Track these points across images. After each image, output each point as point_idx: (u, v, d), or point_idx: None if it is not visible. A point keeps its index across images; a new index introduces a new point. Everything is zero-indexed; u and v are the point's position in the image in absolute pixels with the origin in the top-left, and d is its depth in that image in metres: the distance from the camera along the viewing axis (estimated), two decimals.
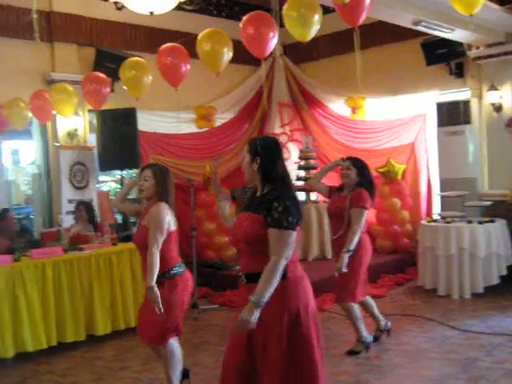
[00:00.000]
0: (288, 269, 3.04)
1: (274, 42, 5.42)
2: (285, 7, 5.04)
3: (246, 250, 3.10)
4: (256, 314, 2.88)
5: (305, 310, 3.06)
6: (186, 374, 4.46)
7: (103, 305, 6.15)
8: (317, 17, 5.05)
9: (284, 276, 3.01)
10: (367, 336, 5.45)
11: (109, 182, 10.37)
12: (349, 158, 5.48)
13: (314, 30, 5.13)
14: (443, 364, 5.01)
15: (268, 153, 3.13)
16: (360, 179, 5.30)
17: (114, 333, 6.21)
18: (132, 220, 8.57)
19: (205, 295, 7.89)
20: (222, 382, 3.18)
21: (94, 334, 6.11)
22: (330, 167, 5.86)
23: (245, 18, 5.34)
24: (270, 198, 3.02)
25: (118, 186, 10.16)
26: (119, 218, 9.19)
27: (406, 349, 5.47)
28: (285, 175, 3.14)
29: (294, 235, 2.99)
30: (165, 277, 4.10)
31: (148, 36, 8.80)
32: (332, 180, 6.90)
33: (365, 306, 5.57)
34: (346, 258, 4.99)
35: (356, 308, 5.39)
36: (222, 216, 3.66)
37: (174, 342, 4.25)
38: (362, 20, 5.01)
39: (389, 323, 5.70)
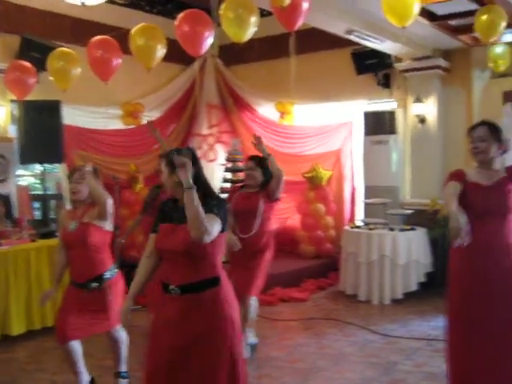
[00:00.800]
0: (220, 275, 3.05)
1: (209, 41, 5.38)
2: (222, 7, 5.01)
3: (182, 262, 2.99)
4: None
5: (235, 317, 3.08)
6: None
7: (19, 303, 5.90)
8: (254, 18, 5.04)
9: (216, 282, 3.02)
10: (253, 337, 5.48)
11: (27, 177, 9.99)
12: (252, 158, 5.39)
13: (250, 31, 5.13)
14: (365, 367, 5.10)
15: (197, 163, 3.09)
16: (264, 179, 5.26)
17: (28, 332, 5.96)
18: (52, 216, 8.27)
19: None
20: None
21: (8, 334, 5.84)
22: None
23: (181, 15, 5.27)
24: (210, 208, 2.96)
25: (37, 180, 9.81)
26: (38, 214, 8.87)
27: (329, 352, 5.53)
28: (208, 184, 3.12)
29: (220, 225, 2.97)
30: (107, 276, 4.11)
31: (76, 27, 8.51)
32: None
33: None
34: None
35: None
36: None
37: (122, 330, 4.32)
38: (298, 25, 5.04)
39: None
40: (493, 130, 3.72)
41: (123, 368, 4.48)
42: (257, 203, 5.19)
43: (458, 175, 3.81)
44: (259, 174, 5.26)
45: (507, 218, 3.65)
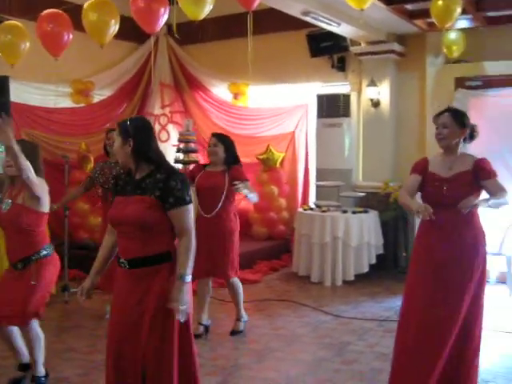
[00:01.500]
0: (173, 251, 3.00)
1: (164, 17, 5.27)
2: None
3: (132, 235, 2.95)
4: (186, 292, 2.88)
5: None
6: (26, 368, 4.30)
7: None
8: None
9: (169, 257, 2.98)
10: (245, 314, 5.60)
11: None
12: (214, 135, 5.39)
13: (206, 9, 5.05)
14: (318, 348, 5.15)
15: (141, 133, 3.03)
16: (227, 156, 5.27)
17: None
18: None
19: (75, 277, 7.55)
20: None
21: None
22: None
23: None
24: (162, 178, 2.94)
25: None
26: None
27: (282, 333, 5.56)
28: (161, 155, 3.08)
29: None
30: (34, 257, 3.94)
31: (24, 1, 8.22)
32: None
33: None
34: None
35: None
36: None
37: (36, 325, 4.08)
38: (256, 4, 4.99)
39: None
40: (455, 116, 3.83)
41: (40, 371, 4.18)
42: (222, 182, 5.17)
43: (419, 166, 3.97)
44: (222, 151, 5.25)
45: (461, 212, 3.68)
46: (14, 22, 6.20)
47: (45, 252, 3.99)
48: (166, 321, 2.93)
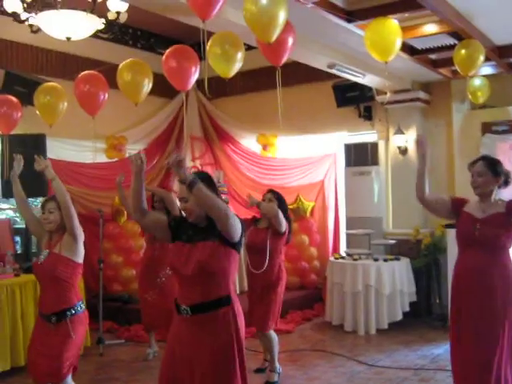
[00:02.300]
0: (231, 296, 3.10)
1: (195, 75, 5.46)
2: (209, 43, 5.09)
3: (196, 281, 3.04)
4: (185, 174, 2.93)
5: (241, 341, 3.13)
6: None
7: (3, 340, 5.80)
8: (240, 54, 5.14)
9: (228, 301, 3.07)
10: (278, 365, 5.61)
11: (7, 210, 9.93)
12: (270, 191, 5.65)
13: (236, 66, 5.22)
14: None
15: (214, 189, 3.19)
16: None
17: (12, 369, 5.86)
18: (34, 250, 8.20)
19: (110, 330, 7.64)
20: None
21: None
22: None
23: (168, 50, 5.35)
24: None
25: (18, 214, 9.74)
26: (19, 248, 8.79)
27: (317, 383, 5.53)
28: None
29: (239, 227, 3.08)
30: (69, 313, 3.99)
31: (60, 61, 8.57)
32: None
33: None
34: None
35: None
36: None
37: (70, 380, 4.12)
38: (284, 60, 5.14)
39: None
40: (489, 164, 3.96)
41: None
42: (265, 239, 5.31)
43: (457, 199, 4.17)
44: (275, 207, 5.41)
45: (495, 253, 3.75)
46: (52, 83, 6.46)
47: (79, 309, 4.05)
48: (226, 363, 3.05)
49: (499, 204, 3.97)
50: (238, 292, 8.59)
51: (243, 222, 3.19)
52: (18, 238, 8.92)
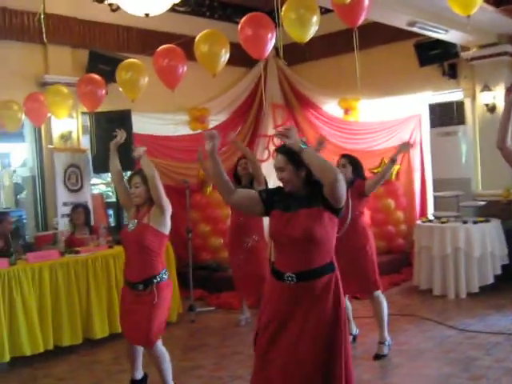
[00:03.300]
0: (334, 262, 3.12)
1: (272, 43, 5.42)
2: (284, 8, 5.03)
3: (301, 248, 3.05)
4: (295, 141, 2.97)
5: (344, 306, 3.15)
6: (144, 379, 4.57)
7: (100, 308, 6.12)
8: (315, 18, 5.05)
9: (332, 268, 3.11)
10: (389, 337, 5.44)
11: (100, 185, 10.34)
12: (344, 156, 5.51)
13: (312, 31, 5.13)
14: (443, 363, 5.03)
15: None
16: (354, 176, 5.37)
17: (111, 336, 6.17)
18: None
19: (201, 297, 7.87)
20: None
21: (92, 338, 6.07)
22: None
23: (243, 19, 5.32)
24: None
25: (110, 188, 10.13)
26: (112, 220, 9.16)
27: (406, 348, 5.49)
28: None
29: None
30: (155, 280, 4.13)
31: (141, 38, 8.76)
32: None
33: None
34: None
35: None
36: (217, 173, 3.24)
37: (160, 344, 4.29)
38: (360, 21, 5.02)
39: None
40: None
41: None
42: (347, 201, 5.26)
43: None
44: (350, 171, 5.35)
45: None
46: (133, 60, 6.61)
47: (164, 276, 4.20)
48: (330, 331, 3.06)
49: None
50: None
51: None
52: (110, 211, 9.31)
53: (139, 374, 4.56)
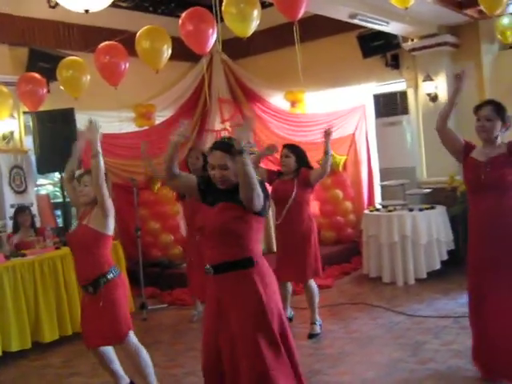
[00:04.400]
0: (255, 256, 3.14)
1: (213, 38, 5.42)
2: (224, 3, 5.04)
3: (217, 241, 3.13)
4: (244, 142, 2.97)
5: (271, 298, 3.16)
6: None
7: (49, 311, 5.99)
8: (256, 12, 5.08)
9: (251, 263, 3.11)
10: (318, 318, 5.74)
11: (47, 185, 10.14)
12: (286, 146, 5.60)
13: (253, 25, 5.16)
14: (393, 349, 5.13)
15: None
16: (298, 165, 5.47)
17: (61, 339, 6.06)
18: (74, 223, 8.37)
19: (152, 295, 7.81)
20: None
21: (41, 342, 5.96)
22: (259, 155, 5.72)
23: (184, 14, 5.32)
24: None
25: (57, 188, 9.94)
26: (60, 221, 9.00)
27: (357, 336, 5.57)
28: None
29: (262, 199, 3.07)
30: (102, 281, 4.06)
31: (82, 34, 8.58)
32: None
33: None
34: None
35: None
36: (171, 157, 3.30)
37: (133, 338, 4.21)
38: (300, 14, 5.06)
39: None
40: (498, 109, 3.92)
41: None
42: (291, 188, 5.32)
43: (470, 143, 4.13)
44: (293, 161, 5.45)
45: (505, 195, 3.79)
46: (74, 57, 6.52)
47: (111, 275, 4.10)
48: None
49: (501, 146, 3.96)
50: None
51: (266, 188, 3.19)
52: (58, 212, 9.14)
53: (124, 382, 4.42)
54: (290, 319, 5.90)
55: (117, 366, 4.38)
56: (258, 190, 2.99)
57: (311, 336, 5.60)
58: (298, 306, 6.38)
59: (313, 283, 5.68)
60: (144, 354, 4.24)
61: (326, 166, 5.38)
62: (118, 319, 4.07)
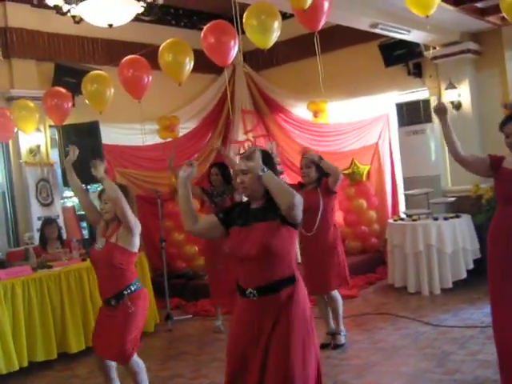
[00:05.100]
0: (295, 273, 3.09)
1: (235, 49, 5.45)
2: (245, 15, 5.07)
3: (259, 263, 3.01)
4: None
5: (309, 315, 3.12)
6: None
7: (75, 321, 6.07)
8: (276, 23, 5.10)
9: (293, 281, 3.06)
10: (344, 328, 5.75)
11: (73, 198, 10.26)
12: (306, 156, 5.56)
13: (274, 36, 5.18)
14: (419, 359, 5.08)
15: (273, 165, 3.14)
16: (319, 174, 5.46)
17: (87, 349, 6.09)
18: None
19: (177, 306, 7.85)
20: None
21: (68, 352, 6.02)
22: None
23: (206, 27, 5.36)
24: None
25: None
26: (86, 233, 9.09)
27: (382, 346, 5.54)
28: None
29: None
30: (126, 292, 4.09)
31: (107, 48, 8.74)
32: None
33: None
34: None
35: None
36: (186, 204, 3.23)
37: (135, 357, 4.23)
38: (321, 25, 5.07)
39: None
40: None
41: None
42: (316, 198, 5.32)
43: (495, 156, 4.08)
44: (314, 171, 5.45)
45: None
46: (98, 72, 6.60)
47: (135, 287, 4.14)
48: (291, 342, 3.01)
49: None
50: None
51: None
52: (84, 224, 9.24)
53: None
54: (333, 334, 5.74)
55: (114, 374, 4.43)
56: (298, 196, 2.93)
57: (336, 347, 5.59)
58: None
59: (337, 293, 5.66)
60: (143, 373, 4.26)
61: (330, 167, 5.35)
62: (127, 338, 4.08)
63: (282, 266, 3.03)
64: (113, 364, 4.40)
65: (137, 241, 4.19)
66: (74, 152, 4.52)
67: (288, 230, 3.03)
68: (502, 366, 3.95)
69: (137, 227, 4.15)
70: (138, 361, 4.24)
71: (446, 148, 8.11)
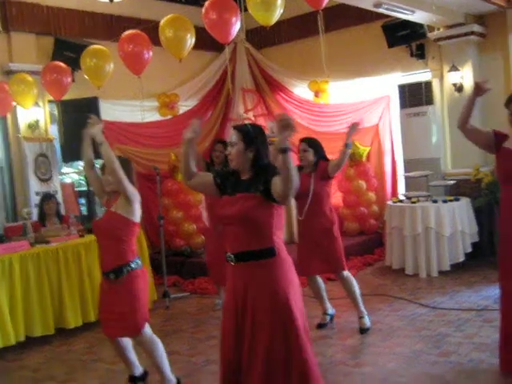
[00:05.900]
0: (277, 246, 3.15)
1: (236, 26, 5.40)
2: None
3: (238, 231, 3.15)
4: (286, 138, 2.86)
5: (293, 290, 3.16)
6: (144, 376, 4.48)
7: (73, 297, 6.08)
8: (280, 1, 5.04)
9: (272, 253, 3.13)
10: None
11: (71, 174, 10.24)
12: (303, 140, 5.51)
13: (277, 13, 5.13)
14: (415, 341, 5.09)
15: (264, 141, 3.24)
16: (317, 158, 5.40)
17: (84, 325, 6.15)
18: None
19: (175, 283, 7.87)
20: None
21: (65, 328, 6.04)
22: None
23: (207, 3, 5.30)
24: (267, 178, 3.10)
25: (81, 177, 10.04)
26: (84, 209, 9.09)
27: (378, 328, 5.54)
28: (271, 163, 3.25)
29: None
30: (125, 269, 4.08)
31: (107, 24, 8.63)
32: None
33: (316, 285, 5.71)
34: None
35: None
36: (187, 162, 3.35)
37: (149, 330, 4.22)
38: (325, 3, 5.01)
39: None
40: None
41: (169, 379, 4.31)
42: (308, 184, 5.30)
43: (500, 133, 4.07)
44: (312, 155, 5.37)
45: None
46: (97, 46, 6.54)
47: (135, 265, 4.12)
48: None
49: None
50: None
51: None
52: (82, 200, 9.23)
53: (137, 371, 4.45)
54: (331, 317, 5.75)
55: (132, 354, 4.41)
56: (297, 186, 2.96)
57: (362, 331, 5.41)
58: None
59: (349, 274, 5.55)
60: (159, 345, 4.24)
61: (344, 157, 5.28)
62: (135, 311, 4.08)
63: (260, 237, 3.13)
64: (130, 348, 4.38)
65: (137, 210, 4.16)
66: (96, 124, 4.33)
67: (269, 204, 3.12)
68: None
69: (135, 197, 4.12)
70: (152, 335, 4.21)
71: (447, 130, 8.23)
